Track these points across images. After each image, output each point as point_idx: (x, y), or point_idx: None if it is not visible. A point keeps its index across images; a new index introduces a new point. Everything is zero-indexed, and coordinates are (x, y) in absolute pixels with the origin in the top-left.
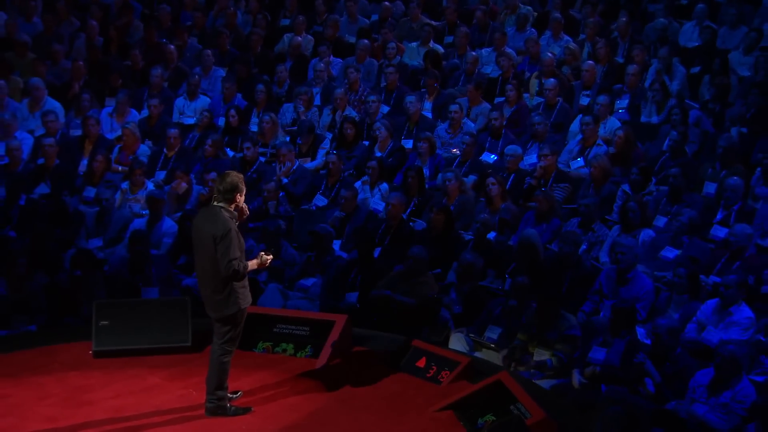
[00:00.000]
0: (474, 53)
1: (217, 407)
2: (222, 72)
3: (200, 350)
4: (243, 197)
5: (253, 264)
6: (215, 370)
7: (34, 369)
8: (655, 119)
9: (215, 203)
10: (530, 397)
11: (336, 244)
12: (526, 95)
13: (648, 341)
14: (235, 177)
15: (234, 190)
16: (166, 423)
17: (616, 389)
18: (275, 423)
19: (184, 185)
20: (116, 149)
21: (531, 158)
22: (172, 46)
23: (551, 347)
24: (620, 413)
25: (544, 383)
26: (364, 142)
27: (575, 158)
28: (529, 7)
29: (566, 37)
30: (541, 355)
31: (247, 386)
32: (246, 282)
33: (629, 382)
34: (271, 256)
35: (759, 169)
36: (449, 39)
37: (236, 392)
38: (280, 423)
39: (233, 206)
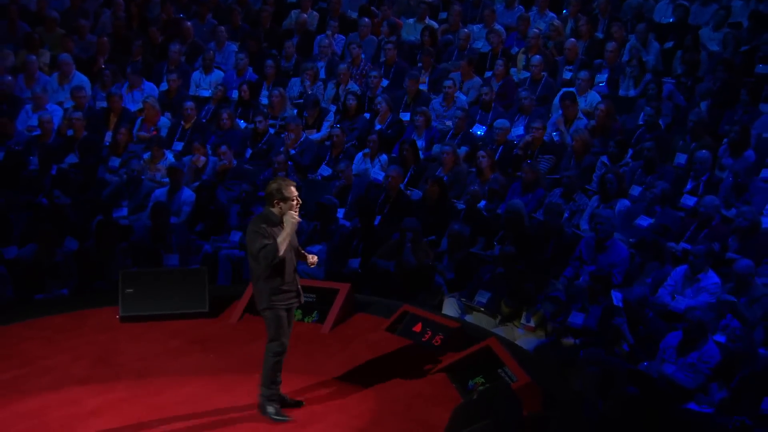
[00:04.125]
0: (466, 30)
1: (262, 404)
2: (234, 47)
3: (216, 316)
4: (288, 204)
5: (284, 234)
6: (264, 368)
7: (68, 332)
8: (632, 93)
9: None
10: (516, 361)
11: (340, 213)
12: (513, 70)
13: (622, 305)
14: (275, 185)
15: (269, 196)
16: (186, 384)
17: (594, 351)
18: (283, 386)
19: (202, 159)
20: (138, 121)
21: (518, 130)
22: (189, 22)
23: (536, 310)
24: (598, 373)
25: (529, 343)
26: (365, 114)
27: (557, 130)
28: None
29: (551, 14)
30: (527, 320)
31: (260, 350)
32: (288, 287)
33: (606, 344)
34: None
35: (726, 140)
36: (443, 15)
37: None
38: (288, 386)
39: (276, 210)
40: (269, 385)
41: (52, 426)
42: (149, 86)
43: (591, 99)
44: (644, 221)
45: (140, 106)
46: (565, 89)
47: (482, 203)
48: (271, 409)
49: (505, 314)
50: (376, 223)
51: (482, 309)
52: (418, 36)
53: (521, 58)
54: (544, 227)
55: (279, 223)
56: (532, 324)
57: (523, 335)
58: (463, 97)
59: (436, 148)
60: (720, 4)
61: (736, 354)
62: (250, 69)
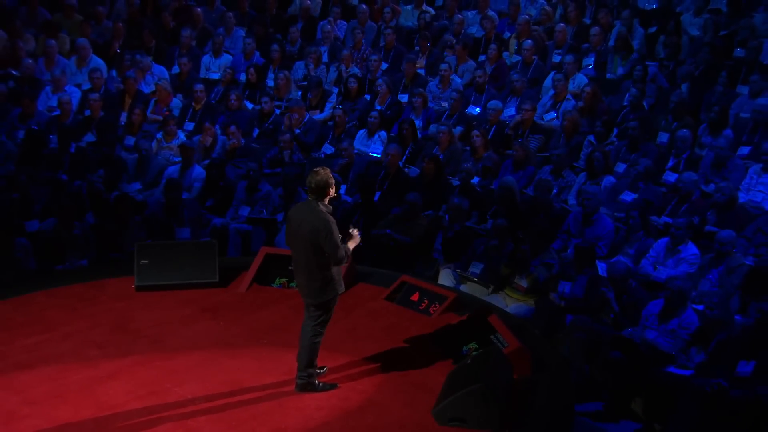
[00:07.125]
0: (461, 15)
1: (307, 383)
2: (242, 32)
3: (225, 286)
4: (333, 186)
5: (351, 245)
6: (306, 349)
7: (86, 301)
8: (620, 71)
9: (311, 199)
10: (507, 328)
11: (342, 189)
12: (505, 54)
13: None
14: (323, 176)
15: (325, 188)
16: (198, 349)
17: (580, 318)
18: (289, 350)
19: (210, 139)
20: (152, 102)
21: (510, 111)
22: (200, 9)
23: (530, 273)
24: (584, 339)
25: (519, 309)
26: (365, 96)
27: (548, 111)
28: None
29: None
30: (520, 279)
31: (266, 318)
32: (341, 270)
33: (592, 311)
34: (357, 231)
35: (705, 120)
36: (440, 2)
37: (322, 368)
38: (293, 351)
39: (327, 200)
40: (313, 364)
41: (71, 388)
42: (159, 69)
43: (578, 81)
44: (628, 196)
45: (153, 88)
46: (554, 72)
47: (476, 180)
48: (319, 384)
49: (504, 274)
50: (376, 198)
51: (476, 279)
52: (416, 21)
53: (513, 43)
54: (534, 202)
55: (333, 211)
56: (524, 284)
57: (514, 302)
58: (458, 80)
59: (432, 128)
60: None
61: (713, 321)
62: (257, 53)
